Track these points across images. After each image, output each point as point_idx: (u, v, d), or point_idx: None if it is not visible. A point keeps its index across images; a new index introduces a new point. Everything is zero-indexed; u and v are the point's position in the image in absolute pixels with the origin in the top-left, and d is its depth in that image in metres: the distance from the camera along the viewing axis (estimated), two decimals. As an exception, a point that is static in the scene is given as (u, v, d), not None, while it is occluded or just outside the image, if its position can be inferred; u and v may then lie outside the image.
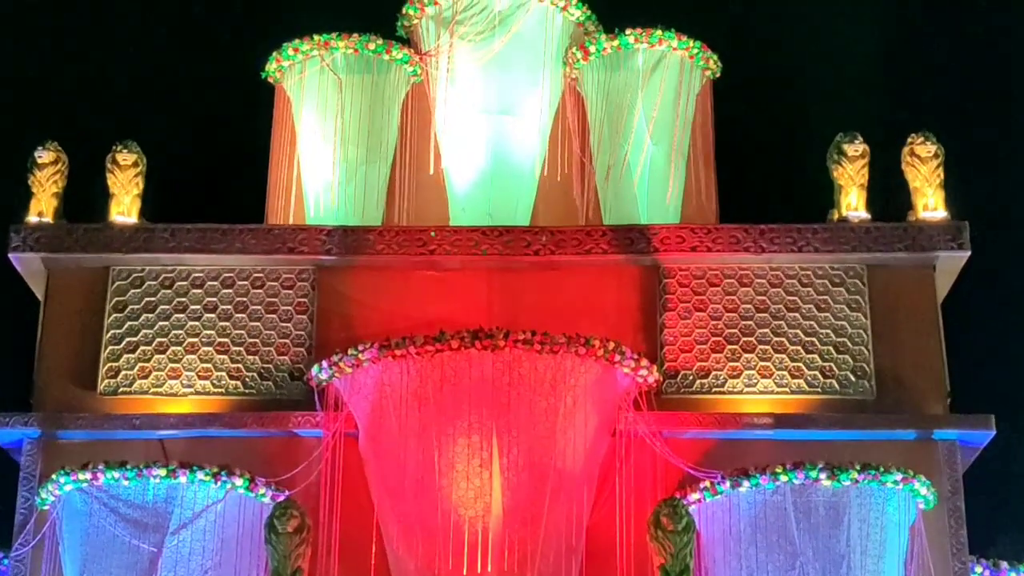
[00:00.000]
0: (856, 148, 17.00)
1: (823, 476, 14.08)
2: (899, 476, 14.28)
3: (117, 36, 31.48)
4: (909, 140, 16.97)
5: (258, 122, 19.31)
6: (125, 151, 17.25)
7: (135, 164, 17.19)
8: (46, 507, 14.81)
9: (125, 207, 17.10)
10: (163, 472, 14.26)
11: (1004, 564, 16.03)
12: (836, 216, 16.98)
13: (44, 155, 17.06)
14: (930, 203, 16.70)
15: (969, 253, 16.51)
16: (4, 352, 18.48)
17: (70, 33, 31.86)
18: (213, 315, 16.45)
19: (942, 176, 16.74)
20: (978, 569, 15.59)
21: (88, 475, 14.30)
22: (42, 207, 16.91)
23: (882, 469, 14.25)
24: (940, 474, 15.24)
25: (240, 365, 16.24)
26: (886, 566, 14.20)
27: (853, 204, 16.90)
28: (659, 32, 18.45)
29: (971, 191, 18.13)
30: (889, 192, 16.92)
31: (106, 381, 16.18)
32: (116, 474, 14.26)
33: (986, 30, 32.20)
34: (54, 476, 14.55)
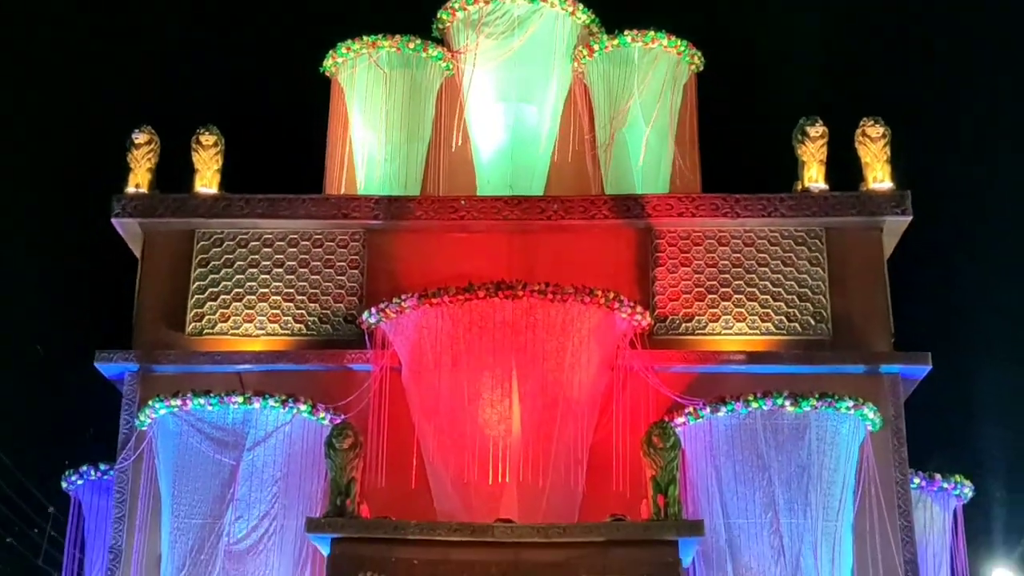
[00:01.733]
0: (816, 130, 17.06)
1: (787, 403, 14.24)
2: (851, 403, 14.42)
3: (208, 42, 31.72)
4: (861, 123, 17.00)
5: (316, 109, 19.36)
6: (207, 133, 17.38)
7: (215, 144, 17.32)
8: (144, 428, 15.07)
9: (207, 180, 17.24)
10: (240, 399, 14.49)
11: (938, 476, 16.21)
12: (800, 187, 16.99)
13: (140, 136, 17.20)
14: (878, 176, 16.75)
15: (911, 218, 16.56)
16: (108, 301, 18.62)
17: (164, 39, 32.09)
18: (280, 270, 16.64)
19: (888, 153, 16.80)
20: (916, 480, 15.76)
21: (178, 402, 14.53)
22: (138, 180, 17.04)
23: (836, 397, 14.38)
24: (885, 402, 15.35)
25: (303, 311, 16.44)
26: (839, 477, 14.36)
27: (814, 177, 16.96)
28: (652, 33, 18.48)
29: (915, 165, 18.16)
30: (844, 166, 16.97)
31: (192, 324, 16.41)
32: (201, 401, 14.50)
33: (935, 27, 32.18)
34: (150, 402, 14.78)
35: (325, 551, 13.77)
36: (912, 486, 15.54)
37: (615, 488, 14.58)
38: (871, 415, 14.68)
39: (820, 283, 16.36)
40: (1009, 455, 23.72)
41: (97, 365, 16.10)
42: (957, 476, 16.49)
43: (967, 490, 16.61)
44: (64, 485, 16.85)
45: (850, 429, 14.57)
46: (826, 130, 17.10)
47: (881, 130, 16.88)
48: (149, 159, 17.14)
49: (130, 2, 33.23)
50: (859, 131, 16.98)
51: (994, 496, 21.11)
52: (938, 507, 16.25)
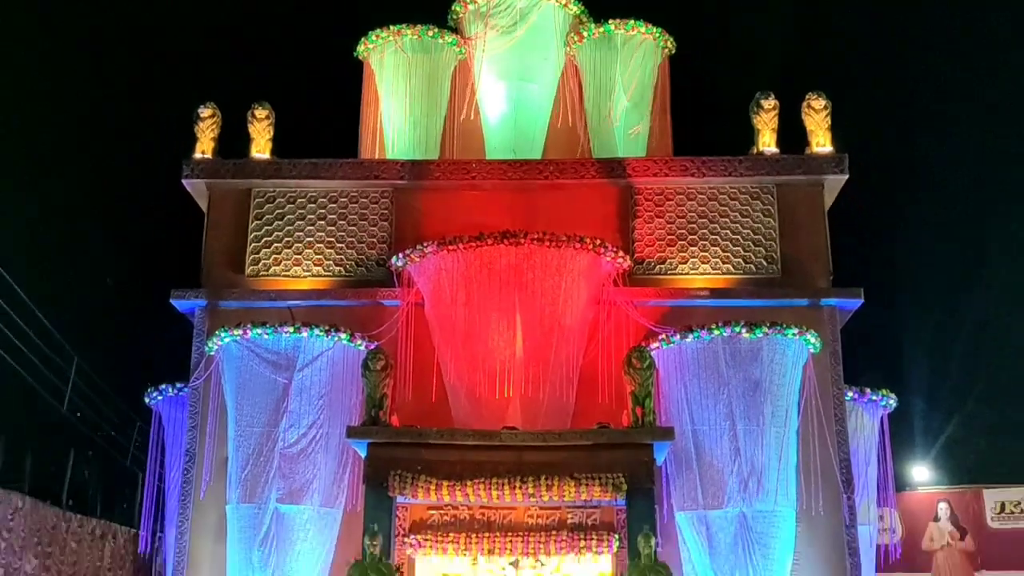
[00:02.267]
0: (769, 102, 16.90)
1: (743, 330, 14.21)
2: (795, 330, 14.39)
3: (260, 28, 31.51)
4: (807, 96, 16.86)
5: (351, 87, 19.24)
6: (260, 107, 17.27)
7: (267, 116, 17.19)
8: (212, 353, 15.07)
9: (261, 147, 17.09)
10: (291, 329, 14.46)
11: (867, 390, 16.22)
12: (755, 151, 16.88)
13: (204, 111, 17.08)
14: (820, 141, 16.61)
15: (847, 176, 16.44)
16: (180, 248, 18.55)
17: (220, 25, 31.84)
18: (323, 222, 16.57)
19: (829, 121, 16.65)
20: (849, 394, 15.76)
21: (240, 331, 14.53)
22: (204, 147, 16.93)
23: (784, 326, 14.35)
24: (824, 329, 15.33)
25: (342, 256, 16.39)
26: (786, 391, 14.37)
27: (767, 142, 16.81)
28: (632, 21, 18.34)
29: (853, 131, 18.00)
30: (792, 133, 16.84)
31: (250, 267, 16.37)
32: (259, 331, 14.49)
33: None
34: (216, 332, 14.79)
35: (363, 453, 13.85)
36: (846, 398, 15.56)
37: (601, 401, 14.63)
38: (813, 340, 14.66)
39: (771, 231, 16.29)
40: (927, 372, 23.80)
41: (172, 302, 16.10)
42: (883, 390, 16.47)
43: (891, 401, 16.60)
44: (147, 400, 16.95)
45: (795, 351, 14.55)
46: (777, 103, 16.93)
47: (823, 102, 16.75)
48: (212, 129, 17.05)
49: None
50: (805, 103, 16.84)
51: (914, 406, 21.19)
52: (867, 415, 16.27)
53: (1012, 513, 22.02)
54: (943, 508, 22.24)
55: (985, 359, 26.36)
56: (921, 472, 23.68)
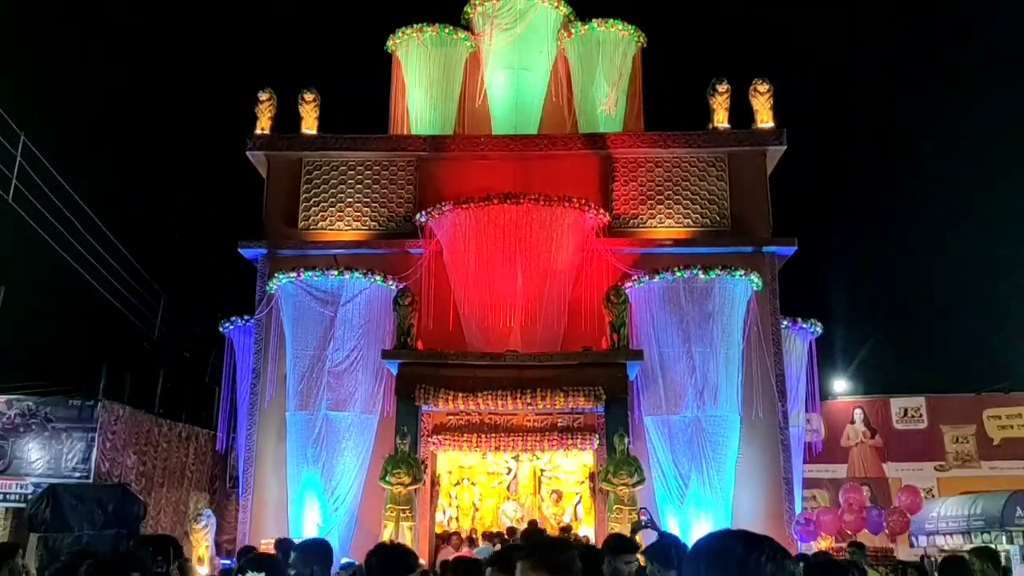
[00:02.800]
0: (723, 87, 16.78)
1: (700, 272, 14.35)
2: (742, 272, 14.54)
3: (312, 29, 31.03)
4: (753, 81, 16.73)
5: (382, 74, 19.07)
6: (308, 92, 17.14)
7: (314, 99, 17.04)
8: (272, 292, 15.23)
9: (309, 124, 17.02)
10: (336, 272, 14.64)
11: (799, 320, 16.35)
12: (711, 126, 16.79)
13: (263, 94, 16.97)
14: (764, 118, 16.53)
15: (786, 147, 16.42)
16: (246, 208, 18.56)
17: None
18: (360, 185, 16.58)
19: (772, 102, 16.54)
20: (785, 323, 15.89)
21: (294, 274, 14.70)
22: (263, 125, 16.87)
23: (732, 268, 14.51)
24: (765, 271, 15.45)
25: (376, 213, 16.44)
26: (734, 321, 14.56)
27: (721, 119, 16.72)
28: (611, 20, 18.08)
29: (791, 109, 17.90)
30: (742, 112, 16.77)
31: (302, 223, 16.42)
32: (310, 274, 14.65)
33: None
34: (275, 275, 14.95)
35: (394, 371, 14.05)
36: (782, 327, 15.74)
37: (585, 329, 14.77)
38: (755, 280, 14.81)
39: (723, 192, 16.31)
40: (848, 304, 23.97)
41: (240, 250, 16.20)
42: (812, 319, 16.62)
43: (818, 328, 16.72)
44: (221, 329, 17.11)
45: (741, 289, 14.71)
46: (729, 87, 16.83)
47: (767, 86, 16.60)
48: (269, 110, 16.94)
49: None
50: (752, 87, 16.71)
51: (837, 332, 21.39)
52: (799, 340, 16.42)
53: (912, 417, 22.29)
54: (858, 413, 22.49)
55: (893, 295, 26.60)
56: (840, 384, 23.92)
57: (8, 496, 15.27)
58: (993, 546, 12.15)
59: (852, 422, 22.43)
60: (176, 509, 18.33)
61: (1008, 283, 24.95)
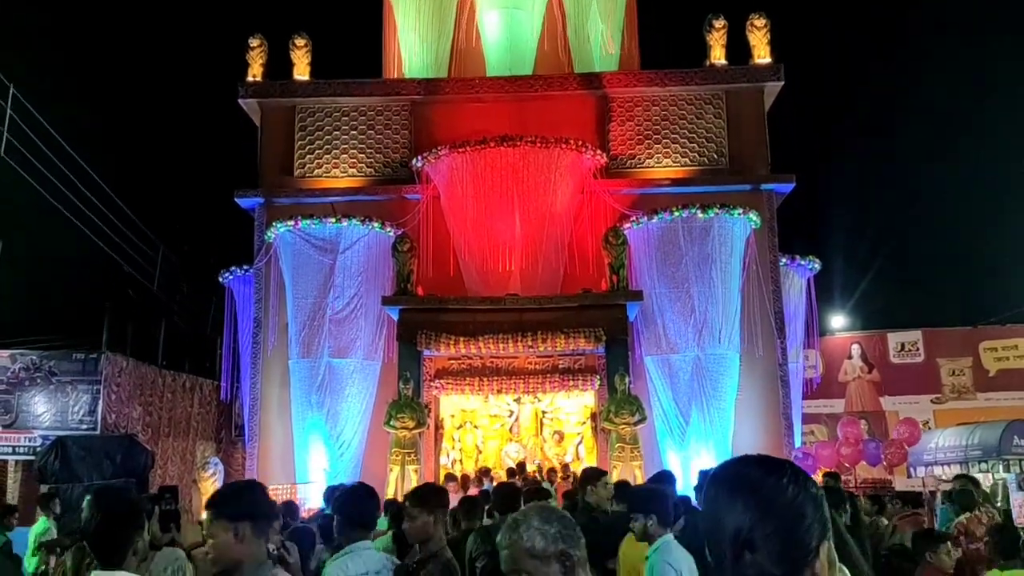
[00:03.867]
0: (719, 22, 16.40)
1: (698, 212, 14.24)
2: (740, 210, 14.43)
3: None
4: (750, 16, 16.39)
5: (370, 19, 18.63)
6: (300, 37, 16.78)
7: (305, 44, 16.67)
8: (270, 240, 15.14)
9: (301, 70, 16.71)
10: (333, 220, 14.52)
11: (797, 257, 16.29)
12: (708, 63, 16.48)
13: (254, 41, 16.62)
14: (761, 54, 16.23)
15: (783, 82, 16.15)
16: (240, 157, 18.31)
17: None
18: (355, 131, 16.33)
19: (769, 36, 16.23)
20: (783, 260, 15.82)
21: (292, 223, 14.59)
22: (255, 72, 16.56)
23: (731, 207, 14.39)
24: (764, 208, 15.32)
25: (372, 159, 16.23)
26: (733, 260, 14.50)
27: (718, 56, 16.38)
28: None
29: (789, 44, 17.59)
30: (739, 48, 16.43)
31: (298, 170, 16.22)
32: (307, 222, 14.54)
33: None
34: (273, 224, 14.84)
35: (395, 317, 14.02)
36: (780, 264, 15.66)
37: (584, 271, 14.69)
38: (754, 218, 14.69)
39: (721, 130, 16.09)
40: (845, 241, 23.82)
41: (236, 200, 16.01)
42: (810, 256, 16.55)
43: (816, 265, 16.69)
44: (220, 280, 17.01)
45: (740, 228, 14.63)
46: (726, 23, 16.46)
47: (764, 21, 16.29)
48: (261, 56, 16.61)
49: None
50: (749, 22, 16.37)
51: (835, 268, 21.26)
52: (797, 277, 16.39)
53: (909, 351, 22.40)
54: (855, 348, 22.59)
55: (891, 231, 26.48)
56: (838, 321, 23.94)
57: (17, 449, 15.38)
58: (990, 475, 12.31)
59: (850, 357, 22.54)
60: (183, 458, 18.47)
61: (1005, 216, 24.84)
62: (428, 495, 4.02)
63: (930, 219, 25.82)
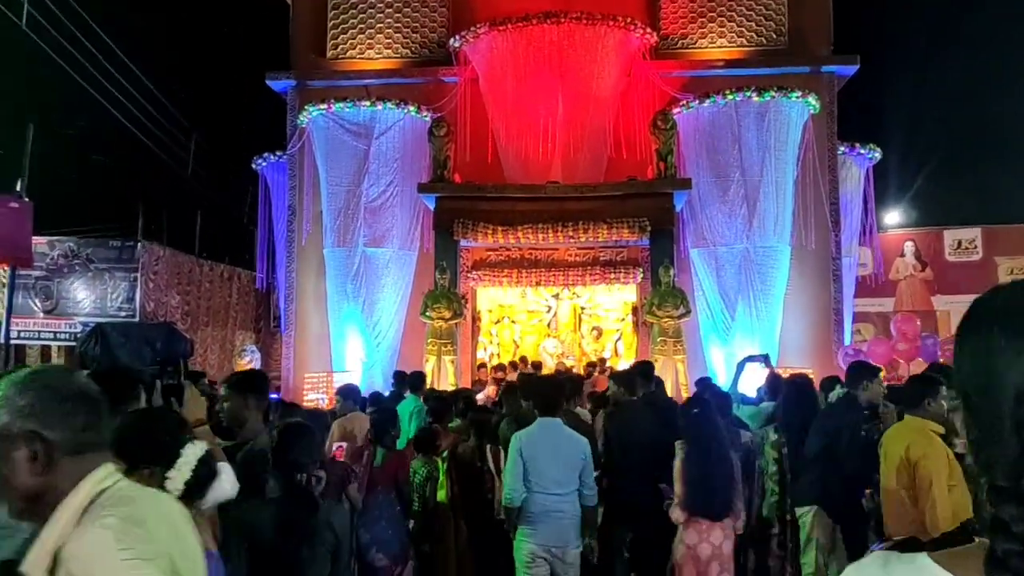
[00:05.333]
0: None
1: (754, 94, 13.24)
2: (799, 93, 13.40)
3: None
4: None
5: None
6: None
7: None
8: (303, 125, 14.49)
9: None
10: (368, 103, 13.81)
11: (857, 145, 15.22)
12: (768, -66, 15.14)
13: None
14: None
15: (851, -46, 14.85)
16: (273, 40, 17.41)
17: None
18: (390, 9, 15.32)
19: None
20: (841, 148, 14.80)
21: (325, 106, 13.89)
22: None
23: (788, 89, 13.37)
24: (823, 92, 14.22)
25: (408, 40, 15.32)
26: (789, 147, 13.58)
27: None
28: None
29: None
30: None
31: (331, 51, 15.39)
32: (341, 105, 13.84)
33: None
34: (306, 107, 14.15)
35: (431, 206, 13.46)
36: (839, 152, 14.71)
37: (629, 159, 13.81)
38: (813, 102, 13.65)
39: (780, 6, 14.84)
40: (908, 130, 22.37)
41: (268, 82, 15.32)
42: (870, 144, 15.48)
43: (876, 155, 15.63)
44: (253, 166, 16.49)
45: (798, 112, 13.62)
46: None
47: None
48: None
49: None
50: None
51: (894, 159, 19.93)
52: (856, 167, 15.41)
53: (967, 249, 21.45)
54: (909, 246, 21.66)
55: (952, 123, 24.90)
56: (892, 217, 22.87)
57: (59, 335, 15.49)
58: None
59: (902, 255, 21.64)
60: (223, 347, 18.54)
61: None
62: (242, 379, 4.27)
63: (999, 112, 24.17)
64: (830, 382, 7.36)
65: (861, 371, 5.68)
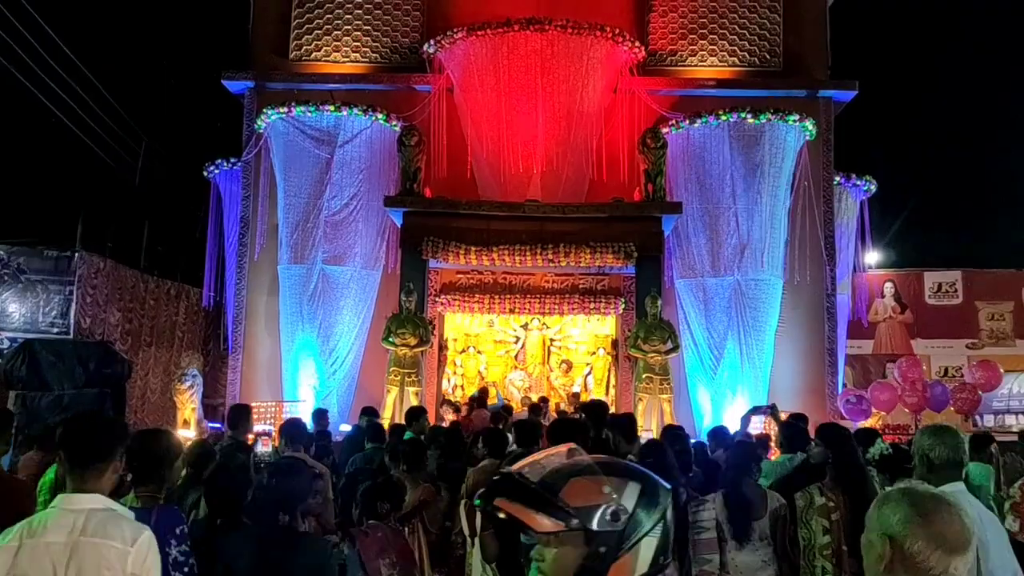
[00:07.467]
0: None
1: (748, 116, 12.23)
2: (795, 117, 12.43)
3: None
4: None
5: None
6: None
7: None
8: (261, 130, 13.15)
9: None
10: (332, 108, 12.53)
11: (853, 175, 14.28)
12: (763, -48, 14.24)
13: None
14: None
15: (850, -23, 14.00)
16: (229, 33, 16.04)
17: None
18: (360, 10, 14.10)
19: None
20: (837, 178, 13.86)
21: (285, 110, 12.59)
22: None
23: (784, 113, 12.37)
24: (820, 117, 13.31)
25: (378, 43, 14.07)
26: (784, 171, 12.57)
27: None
28: None
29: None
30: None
31: (294, 52, 14.08)
32: (303, 109, 12.54)
33: None
34: (265, 111, 12.83)
35: (398, 222, 12.17)
36: (834, 182, 13.74)
37: (614, 179, 12.72)
38: (810, 127, 12.69)
39: (776, 26, 13.93)
40: (907, 162, 21.52)
41: (224, 83, 13.96)
42: (867, 176, 14.54)
43: (872, 186, 14.68)
44: (205, 174, 15.02)
45: (794, 137, 12.65)
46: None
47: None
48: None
49: None
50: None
51: (877, 196, 19.07)
52: (851, 198, 14.42)
53: (947, 292, 20.64)
54: (888, 287, 20.80)
55: (934, 163, 24.28)
56: (872, 256, 22.03)
57: (-17, 350, 13.89)
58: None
59: (881, 296, 20.77)
60: (167, 370, 16.91)
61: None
62: None
63: (984, 153, 23.55)
64: (867, 435, 6.11)
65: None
